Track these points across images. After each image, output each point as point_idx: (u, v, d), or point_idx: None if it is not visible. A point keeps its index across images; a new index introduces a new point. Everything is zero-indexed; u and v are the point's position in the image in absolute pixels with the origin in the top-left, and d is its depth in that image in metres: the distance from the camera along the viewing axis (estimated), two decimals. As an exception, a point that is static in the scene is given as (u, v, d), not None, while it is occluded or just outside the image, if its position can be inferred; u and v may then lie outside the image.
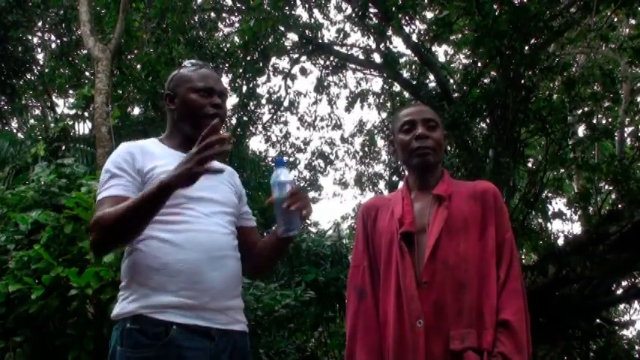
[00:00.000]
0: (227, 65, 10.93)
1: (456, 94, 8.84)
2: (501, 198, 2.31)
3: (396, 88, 11.94)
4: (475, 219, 2.23)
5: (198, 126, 2.10)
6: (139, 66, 11.33)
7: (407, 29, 9.31)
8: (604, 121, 11.33)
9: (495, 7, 7.37)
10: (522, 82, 7.59)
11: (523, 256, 10.80)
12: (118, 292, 2.08)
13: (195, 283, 1.98)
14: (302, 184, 14.09)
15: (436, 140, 2.32)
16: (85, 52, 10.48)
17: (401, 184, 2.48)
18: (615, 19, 9.03)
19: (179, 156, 2.11)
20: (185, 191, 2.03)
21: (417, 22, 10.26)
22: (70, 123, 10.26)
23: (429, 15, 10.27)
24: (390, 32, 9.30)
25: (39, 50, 13.39)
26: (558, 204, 13.26)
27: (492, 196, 2.28)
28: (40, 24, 13.22)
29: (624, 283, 10.60)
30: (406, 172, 2.47)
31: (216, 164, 2.04)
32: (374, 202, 2.50)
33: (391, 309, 2.19)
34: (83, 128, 10.99)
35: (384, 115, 12.78)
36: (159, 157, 2.12)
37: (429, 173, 2.35)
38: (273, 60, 11.63)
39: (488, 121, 8.49)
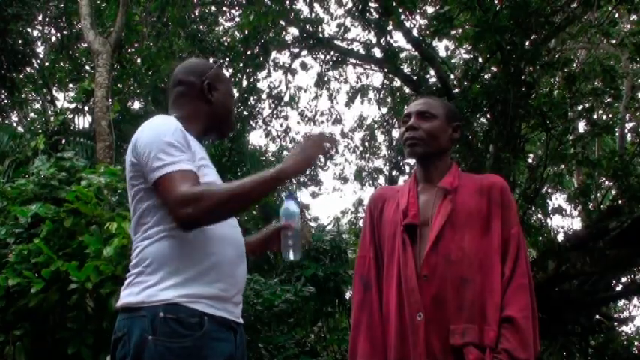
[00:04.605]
0: (227, 59, 10.91)
1: (456, 90, 8.83)
2: (509, 192, 2.27)
3: (397, 83, 11.95)
4: (480, 214, 2.20)
5: (228, 126, 2.30)
6: (139, 60, 11.33)
7: (407, 24, 9.30)
8: (604, 117, 11.31)
9: (496, 2, 7.37)
10: (523, 77, 7.58)
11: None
12: (133, 278, 1.98)
13: (228, 276, 2.00)
14: (302, 180, 14.06)
15: (427, 131, 2.29)
16: (86, 45, 10.45)
17: (401, 180, 2.49)
18: (616, 15, 8.99)
19: (199, 146, 2.12)
20: None
21: (418, 17, 10.27)
22: (70, 117, 10.25)
23: (430, 10, 10.26)
24: (390, 27, 9.28)
25: (39, 43, 13.39)
26: (558, 200, 13.32)
27: (499, 191, 2.24)
28: (40, 17, 13.19)
29: (624, 279, 10.61)
30: (407, 167, 2.47)
31: None
32: (382, 192, 2.49)
33: (393, 301, 2.20)
34: (83, 122, 10.98)
35: (384, 110, 12.80)
36: (192, 142, 2.08)
37: (430, 165, 2.33)
38: (274, 54, 11.64)
39: (488, 116, 8.48)
